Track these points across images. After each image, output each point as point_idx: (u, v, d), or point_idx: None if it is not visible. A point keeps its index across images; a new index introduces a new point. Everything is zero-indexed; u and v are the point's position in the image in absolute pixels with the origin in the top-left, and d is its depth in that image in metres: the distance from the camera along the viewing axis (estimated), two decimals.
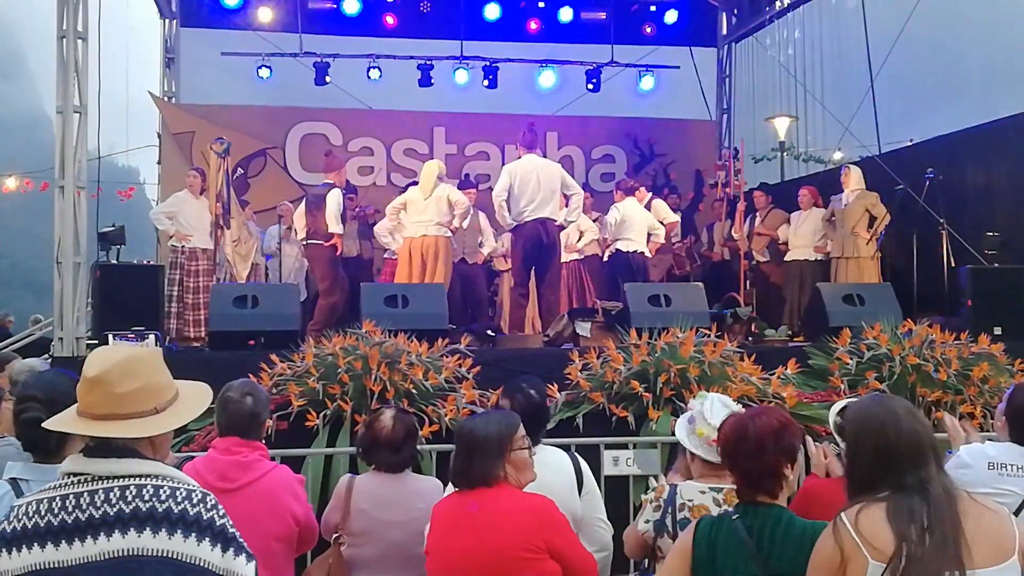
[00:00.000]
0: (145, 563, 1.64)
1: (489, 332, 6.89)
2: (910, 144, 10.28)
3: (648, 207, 8.60)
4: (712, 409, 2.66)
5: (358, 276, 8.59)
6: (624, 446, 4.54)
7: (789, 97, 11.92)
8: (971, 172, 8.45)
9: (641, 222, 8.11)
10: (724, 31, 12.76)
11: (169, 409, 1.82)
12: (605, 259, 8.39)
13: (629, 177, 9.78)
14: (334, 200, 7.60)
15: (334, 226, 7.58)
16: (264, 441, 2.99)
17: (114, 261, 6.85)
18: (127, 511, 1.67)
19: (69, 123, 6.52)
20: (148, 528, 1.65)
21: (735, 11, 12.51)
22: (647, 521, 2.64)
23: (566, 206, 7.54)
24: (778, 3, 11.34)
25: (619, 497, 4.30)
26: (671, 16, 12.11)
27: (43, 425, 1.89)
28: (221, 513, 1.73)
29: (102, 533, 1.66)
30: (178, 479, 1.76)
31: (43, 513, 1.69)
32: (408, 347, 5.10)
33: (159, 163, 11.36)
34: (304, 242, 8.02)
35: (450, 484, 2.70)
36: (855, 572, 1.92)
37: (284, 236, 9.14)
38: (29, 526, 1.69)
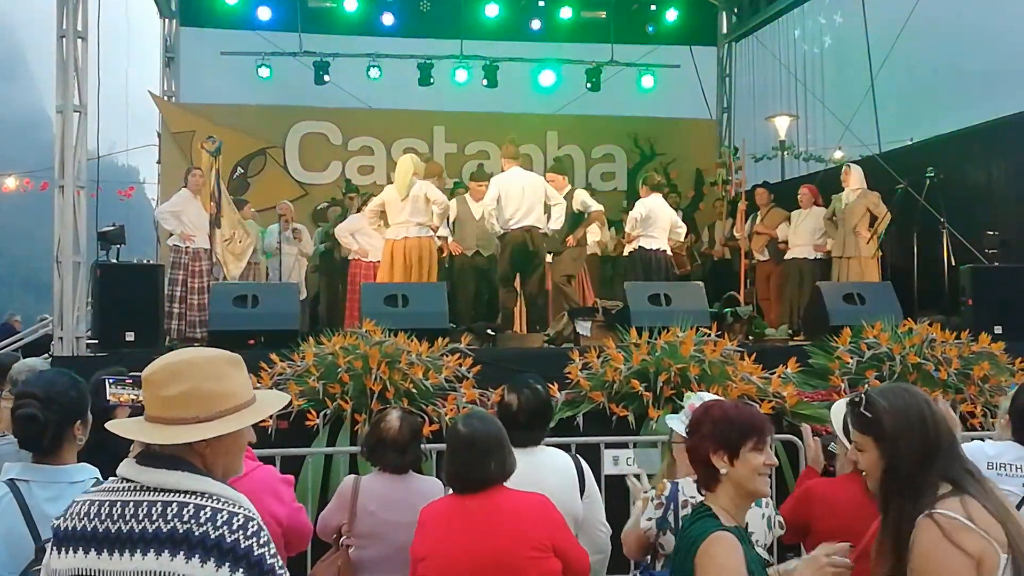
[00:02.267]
0: None
1: (489, 331, 6.88)
2: (910, 143, 10.28)
3: (569, 197, 8.14)
4: None
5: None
6: (624, 445, 4.54)
7: (789, 96, 11.89)
8: (971, 171, 8.45)
9: (665, 219, 7.96)
10: (724, 30, 12.75)
11: (219, 420, 1.71)
12: (626, 254, 8.25)
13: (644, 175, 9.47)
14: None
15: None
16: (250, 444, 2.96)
17: (114, 260, 6.84)
18: (164, 531, 1.61)
19: (69, 122, 6.51)
20: (182, 552, 1.60)
21: (735, 10, 12.50)
22: (649, 519, 2.64)
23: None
24: (778, 2, 11.32)
25: (619, 497, 4.29)
26: (671, 15, 12.10)
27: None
28: (262, 540, 1.64)
29: (139, 550, 1.62)
30: (224, 499, 1.66)
31: (92, 516, 1.68)
32: (408, 346, 5.10)
33: (159, 162, 11.36)
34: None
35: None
36: (989, 570, 1.81)
37: (283, 231, 9.11)
38: (79, 527, 1.68)
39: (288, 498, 2.85)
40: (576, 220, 8.08)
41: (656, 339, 5.28)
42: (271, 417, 4.58)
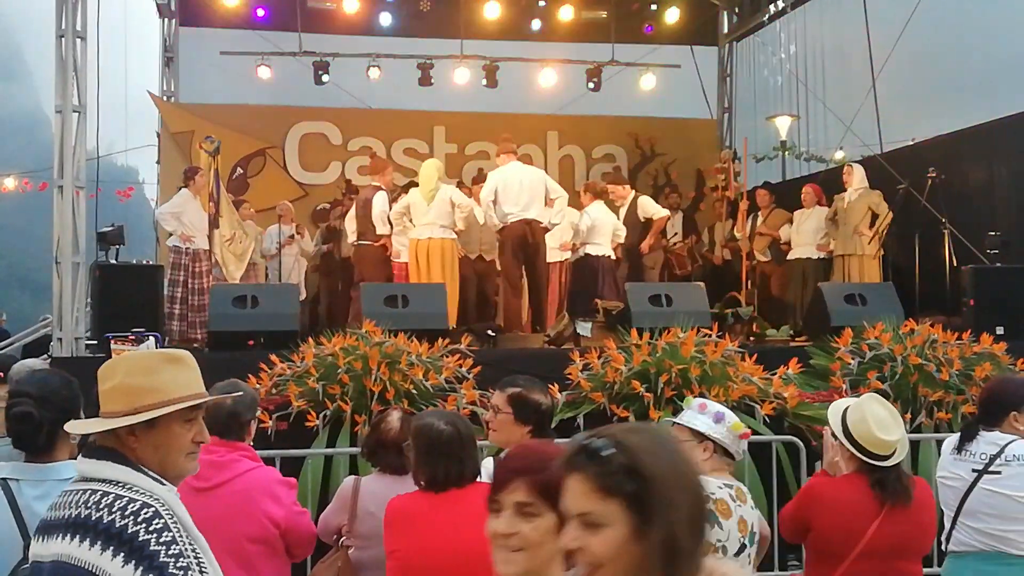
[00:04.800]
0: (66, 569, 1.67)
1: (489, 332, 6.87)
2: (912, 143, 10.24)
3: (634, 204, 8.41)
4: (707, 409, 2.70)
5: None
6: None
7: (790, 96, 11.86)
8: (973, 171, 8.43)
9: (608, 225, 8.07)
10: (725, 30, 12.74)
11: (135, 415, 1.76)
12: (572, 261, 8.31)
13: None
14: (379, 201, 7.77)
15: (381, 227, 7.76)
16: (250, 442, 2.95)
17: (113, 261, 6.83)
18: (73, 516, 1.69)
19: (68, 122, 6.50)
20: (78, 536, 1.66)
21: (736, 10, 12.49)
22: None
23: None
24: (779, 2, 11.31)
25: None
26: (672, 15, 12.07)
27: (65, 427, 1.91)
28: (152, 527, 1.65)
29: (57, 535, 1.70)
30: (135, 487, 1.71)
31: (53, 506, 1.78)
32: (408, 347, 5.09)
33: (158, 163, 11.35)
34: (354, 244, 8.16)
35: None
36: None
37: (285, 244, 9.12)
38: (45, 517, 1.79)
39: (288, 500, 2.84)
40: (644, 227, 8.22)
41: (657, 340, 5.26)
42: (271, 418, 4.58)
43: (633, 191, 8.66)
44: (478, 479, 2.56)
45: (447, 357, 5.22)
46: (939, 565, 3.75)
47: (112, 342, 5.43)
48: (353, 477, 3.13)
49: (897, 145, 10.15)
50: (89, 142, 6.75)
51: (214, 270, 8.15)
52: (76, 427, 1.84)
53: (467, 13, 11.57)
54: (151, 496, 1.71)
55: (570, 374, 5.20)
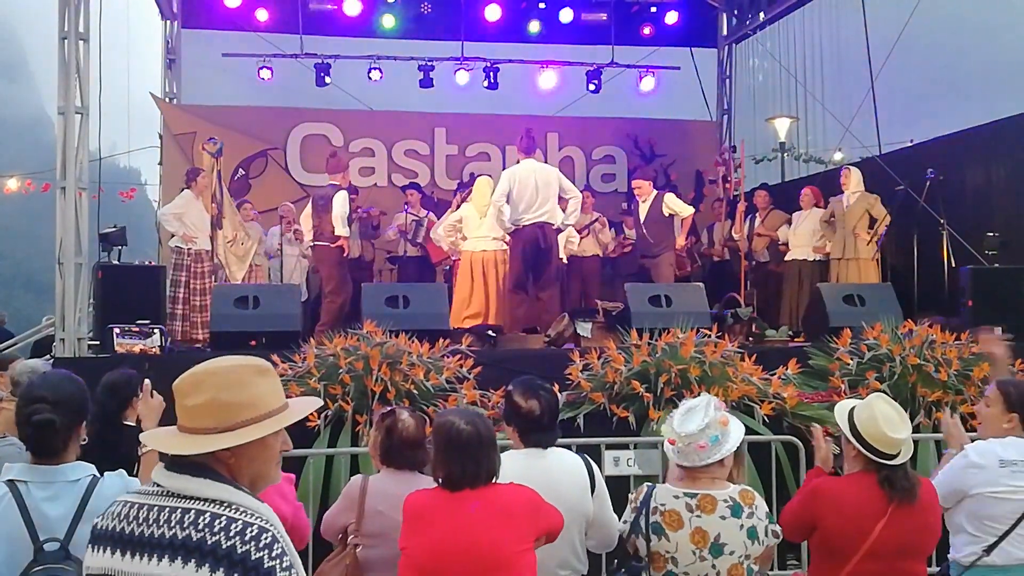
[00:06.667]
0: None
1: (490, 333, 6.90)
2: (910, 144, 10.28)
3: (659, 202, 8.28)
4: (690, 414, 2.63)
5: (360, 278, 8.57)
6: (625, 446, 4.56)
7: (789, 98, 11.93)
8: (971, 172, 8.45)
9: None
10: (724, 32, 12.76)
11: (237, 431, 1.70)
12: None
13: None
14: (339, 202, 7.66)
15: (340, 228, 7.63)
16: None
17: (115, 262, 6.86)
18: (180, 538, 1.63)
19: (71, 124, 6.53)
20: (193, 560, 1.61)
21: (735, 12, 12.51)
22: (625, 521, 2.68)
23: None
24: (779, 3, 11.34)
25: (620, 498, 4.30)
26: (671, 17, 12.09)
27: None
28: (274, 554, 1.62)
29: (156, 554, 1.64)
30: (242, 508, 1.66)
31: (123, 517, 1.71)
32: (409, 347, 5.11)
33: (160, 164, 11.38)
34: (311, 243, 8.06)
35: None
36: None
37: (284, 233, 9.13)
38: (113, 528, 1.71)
39: (291, 496, 2.88)
40: (667, 223, 8.14)
41: (657, 340, 5.29)
42: None
43: (655, 190, 8.48)
44: (495, 480, 2.57)
45: (448, 357, 5.25)
46: (937, 565, 3.79)
47: (117, 336, 5.45)
48: (360, 476, 3.13)
49: (896, 146, 10.19)
50: (91, 143, 6.77)
51: (217, 271, 8.17)
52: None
53: (467, 15, 11.60)
54: (261, 518, 1.66)
55: (570, 374, 5.22)
